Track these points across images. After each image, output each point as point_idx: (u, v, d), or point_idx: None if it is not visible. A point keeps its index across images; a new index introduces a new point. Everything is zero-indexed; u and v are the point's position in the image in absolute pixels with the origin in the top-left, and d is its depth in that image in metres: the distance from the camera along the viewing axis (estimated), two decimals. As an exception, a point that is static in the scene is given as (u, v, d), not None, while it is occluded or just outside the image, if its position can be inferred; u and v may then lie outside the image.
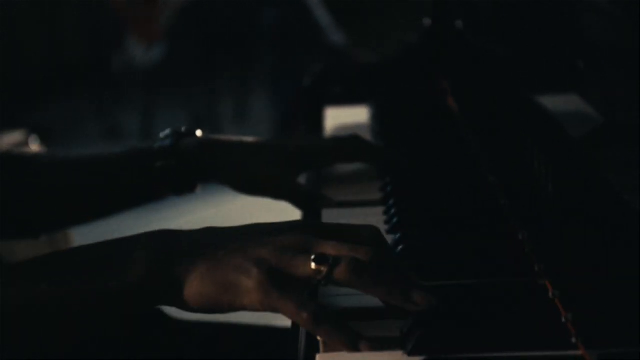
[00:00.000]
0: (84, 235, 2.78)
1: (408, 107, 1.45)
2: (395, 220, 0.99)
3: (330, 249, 0.76)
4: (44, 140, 2.78)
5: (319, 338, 0.75)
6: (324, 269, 0.74)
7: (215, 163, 1.12)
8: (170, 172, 1.11)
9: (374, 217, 1.01)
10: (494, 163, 1.12)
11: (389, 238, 0.90)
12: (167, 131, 1.12)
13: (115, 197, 1.16)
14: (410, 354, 0.72)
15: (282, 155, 1.13)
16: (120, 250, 0.79)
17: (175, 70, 4.83)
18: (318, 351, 0.75)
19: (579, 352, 0.70)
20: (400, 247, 0.89)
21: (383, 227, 0.98)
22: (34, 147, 2.64)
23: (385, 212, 1.03)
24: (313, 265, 0.75)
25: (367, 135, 1.35)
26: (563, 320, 0.74)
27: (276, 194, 1.13)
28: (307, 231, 0.79)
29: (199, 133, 1.14)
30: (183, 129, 1.13)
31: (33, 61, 5.48)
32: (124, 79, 5.06)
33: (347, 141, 1.17)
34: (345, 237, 0.78)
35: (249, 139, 1.14)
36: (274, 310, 0.75)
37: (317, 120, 1.46)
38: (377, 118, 1.41)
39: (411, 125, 1.36)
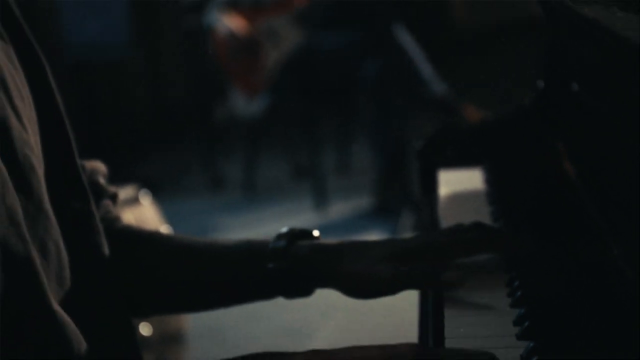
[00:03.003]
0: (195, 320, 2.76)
1: (523, 171, 1.43)
2: (527, 325, 0.93)
3: None
4: (153, 194, 2.82)
5: None
6: None
7: (327, 269, 1.09)
8: (282, 275, 1.10)
9: (500, 318, 0.97)
10: (617, 233, 1.09)
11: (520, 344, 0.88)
12: (284, 229, 1.11)
13: (226, 292, 1.16)
14: None
15: (394, 259, 1.06)
16: None
17: (277, 122, 4.89)
18: None
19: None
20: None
21: (512, 330, 0.94)
22: (145, 201, 2.69)
23: (512, 304, 0.99)
24: None
25: (482, 201, 1.34)
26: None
27: (391, 292, 1.07)
28: None
29: (316, 233, 1.12)
30: (298, 230, 1.12)
31: (137, 112, 5.60)
32: (227, 131, 5.13)
33: (467, 236, 1.10)
34: None
35: (360, 242, 1.11)
36: None
37: (431, 185, 1.46)
38: (492, 183, 1.40)
39: (527, 191, 1.34)
